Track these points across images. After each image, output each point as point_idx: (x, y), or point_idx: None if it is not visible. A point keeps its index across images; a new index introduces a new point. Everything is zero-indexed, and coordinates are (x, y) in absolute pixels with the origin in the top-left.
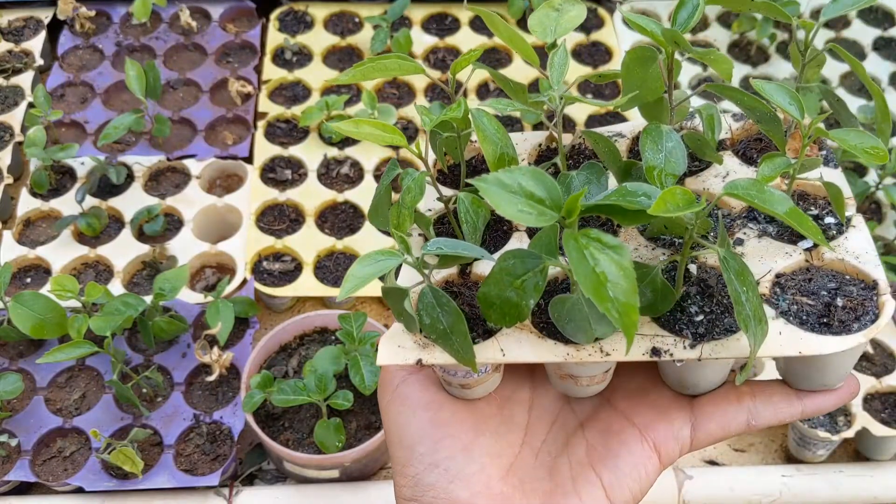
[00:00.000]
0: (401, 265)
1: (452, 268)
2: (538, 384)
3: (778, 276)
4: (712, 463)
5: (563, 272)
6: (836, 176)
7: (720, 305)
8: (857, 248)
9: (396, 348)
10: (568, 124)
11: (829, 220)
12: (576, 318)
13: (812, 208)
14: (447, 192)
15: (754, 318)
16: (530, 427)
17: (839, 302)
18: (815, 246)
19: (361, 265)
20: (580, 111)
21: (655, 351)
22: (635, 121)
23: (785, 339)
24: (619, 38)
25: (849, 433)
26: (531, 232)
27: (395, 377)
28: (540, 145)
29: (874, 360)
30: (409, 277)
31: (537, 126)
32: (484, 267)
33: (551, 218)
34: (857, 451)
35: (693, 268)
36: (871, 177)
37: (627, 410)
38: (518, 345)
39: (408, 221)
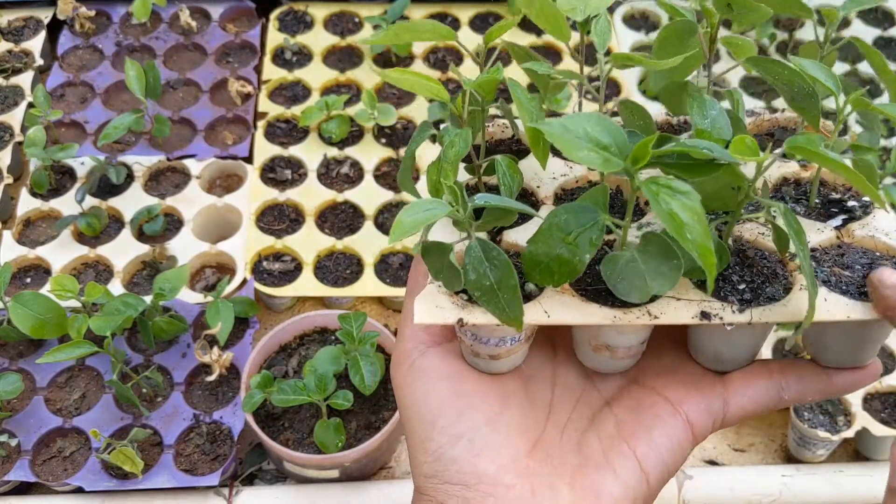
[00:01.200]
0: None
1: (482, 233)
2: (560, 363)
3: (813, 249)
4: (712, 463)
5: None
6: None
7: (760, 275)
8: (885, 226)
9: (434, 308)
10: None
11: (853, 203)
12: (629, 276)
13: (833, 193)
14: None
15: (808, 277)
16: (554, 405)
17: None
18: (844, 224)
19: (409, 213)
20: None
21: (705, 314)
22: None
23: (831, 304)
24: (618, 38)
25: (849, 433)
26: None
27: (413, 352)
28: None
29: None
30: (443, 236)
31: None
32: (516, 236)
33: (617, 165)
34: (857, 451)
35: (729, 242)
36: None
37: (658, 386)
38: (562, 307)
39: (452, 176)
